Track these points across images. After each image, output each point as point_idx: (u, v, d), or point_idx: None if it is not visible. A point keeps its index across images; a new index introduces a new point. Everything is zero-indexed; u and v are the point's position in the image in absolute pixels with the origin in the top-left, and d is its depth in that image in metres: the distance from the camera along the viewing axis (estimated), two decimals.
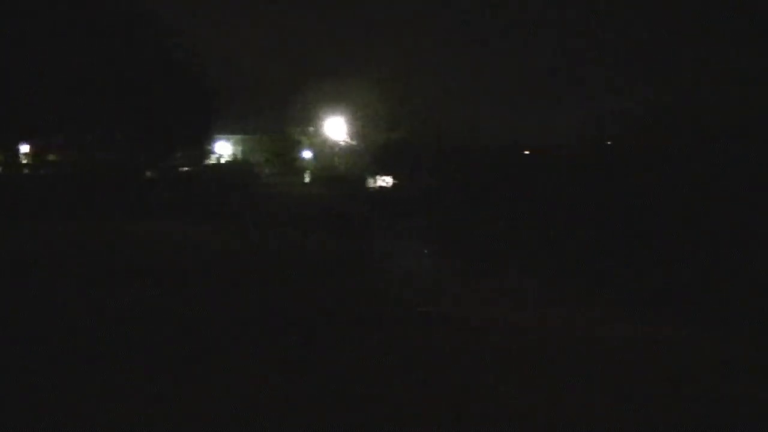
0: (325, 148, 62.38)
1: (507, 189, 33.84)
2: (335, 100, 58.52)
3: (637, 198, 26.58)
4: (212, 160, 59.79)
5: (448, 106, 63.98)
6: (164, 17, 44.03)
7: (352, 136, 60.38)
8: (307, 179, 59.56)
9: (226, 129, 60.20)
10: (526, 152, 43.16)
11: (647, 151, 32.86)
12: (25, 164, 43.57)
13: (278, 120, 59.00)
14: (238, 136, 62.21)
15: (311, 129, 61.29)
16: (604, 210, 26.16)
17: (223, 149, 61.18)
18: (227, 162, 58.88)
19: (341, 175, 57.38)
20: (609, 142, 39.99)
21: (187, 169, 51.77)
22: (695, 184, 25.97)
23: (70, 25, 35.06)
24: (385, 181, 51.86)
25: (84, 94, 35.46)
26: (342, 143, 61.41)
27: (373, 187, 52.44)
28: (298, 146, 61.58)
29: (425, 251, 20.83)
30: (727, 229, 20.90)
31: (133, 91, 36.58)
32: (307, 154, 63.18)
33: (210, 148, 58.84)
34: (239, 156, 61.62)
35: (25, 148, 43.24)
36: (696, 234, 21.06)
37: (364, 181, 53.89)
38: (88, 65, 35.33)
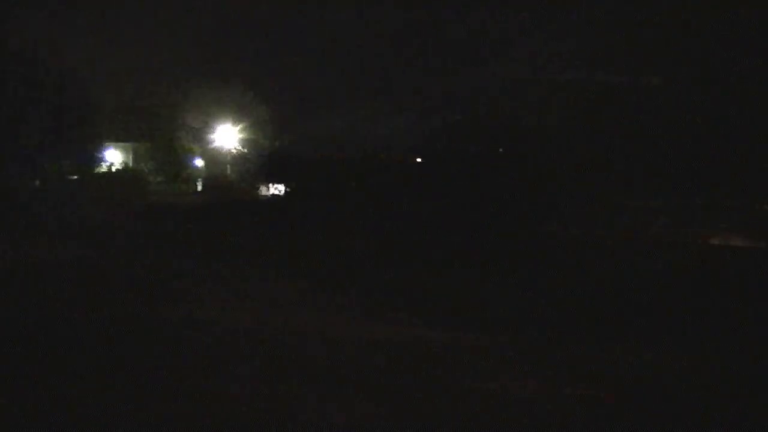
0: (217, 156, 62.71)
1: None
2: (226, 108, 59.14)
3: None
4: (103, 167, 59.34)
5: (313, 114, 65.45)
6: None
7: (243, 143, 61.05)
8: (199, 188, 59.62)
9: (117, 136, 60.13)
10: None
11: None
12: None
13: (170, 127, 59.16)
14: (129, 144, 62.05)
15: (202, 136, 61.53)
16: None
17: (114, 157, 60.92)
18: (117, 170, 58.45)
19: (233, 183, 57.96)
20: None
21: (75, 177, 51.74)
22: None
23: None
24: (278, 189, 52.67)
25: None
26: (234, 151, 61.89)
27: (265, 195, 53.33)
28: (188, 154, 61.80)
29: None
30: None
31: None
32: (199, 162, 63.36)
33: (99, 155, 58.58)
34: (130, 164, 61.36)
35: None
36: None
37: (256, 189, 54.63)
38: None
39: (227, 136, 61.78)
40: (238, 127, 60.99)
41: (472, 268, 18.95)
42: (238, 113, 59.57)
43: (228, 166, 62.45)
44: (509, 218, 27.41)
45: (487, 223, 26.68)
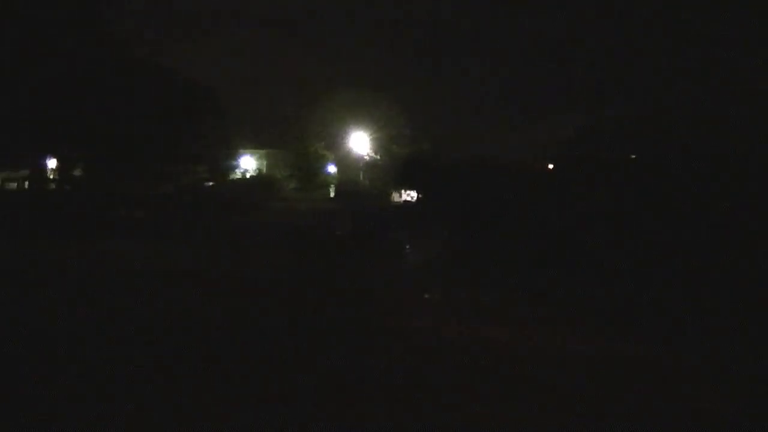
0: (350, 163, 62.58)
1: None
2: (359, 115, 58.87)
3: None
4: (237, 174, 60.34)
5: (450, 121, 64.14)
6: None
7: (375, 150, 60.55)
8: (331, 194, 59.60)
9: (251, 143, 60.82)
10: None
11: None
12: (51, 179, 44.33)
13: (303, 134, 59.36)
14: (263, 151, 62.67)
15: (335, 143, 61.59)
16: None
17: (249, 164, 61.69)
18: (250, 177, 59.32)
19: (365, 189, 57.50)
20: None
21: (211, 183, 52.42)
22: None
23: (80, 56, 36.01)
24: (410, 195, 51.80)
25: (98, 113, 36.25)
26: (366, 157, 61.56)
27: (397, 202, 52.49)
28: (322, 161, 61.82)
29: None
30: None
31: (146, 111, 37.43)
32: (331, 169, 63.36)
33: (234, 162, 59.41)
34: (264, 170, 62.02)
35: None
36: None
37: (388, 195, 53.89)
38: (103, 90, 36.23)
39: (360, 143, 61.45)
40: (371, 134, 60.58)
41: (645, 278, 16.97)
42: (371, 120, 59.15)
43: (360, 172, 62.20)
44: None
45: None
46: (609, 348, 10.30)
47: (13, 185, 46.83)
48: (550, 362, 9.22)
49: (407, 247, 26.12)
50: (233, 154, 58.19)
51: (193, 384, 7.57)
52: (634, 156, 36.55)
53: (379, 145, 60.12)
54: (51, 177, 44.56)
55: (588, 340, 10.83)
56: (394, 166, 54.28)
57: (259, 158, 63.06)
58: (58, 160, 44.08)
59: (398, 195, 53.68)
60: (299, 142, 59.88)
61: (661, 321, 12.55)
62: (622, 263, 19.02)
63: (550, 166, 44.28)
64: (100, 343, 9.42)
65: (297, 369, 8.28)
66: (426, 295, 14.64)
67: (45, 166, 42.94)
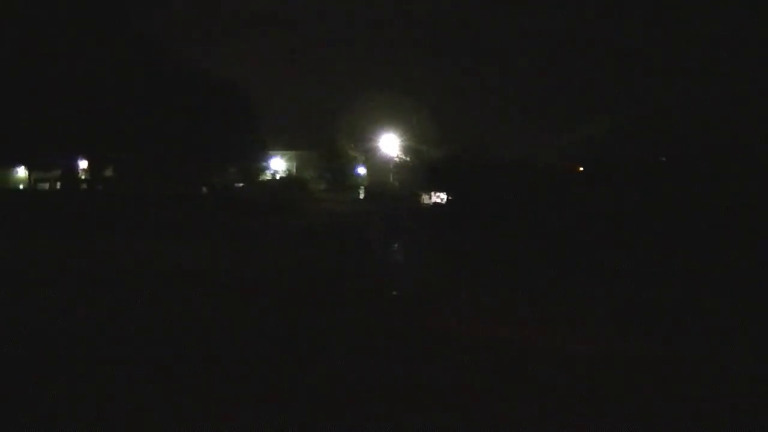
0: (379, 164, 62.46)
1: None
2: (389, 117, 58.79)
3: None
4: (267, 175, 60.53)
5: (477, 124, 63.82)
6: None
7: (405, 152, 60.35)
8: (361, 195, 59.49)
9: (281, 145, 60.91)
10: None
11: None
12: (83, 180, 44.78)
13: (332, 136, 59.46)
14: (293, 152, 62.81)
15: (365, 144, 61.52)
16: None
17: (278, 165, 61.88)
18: (281, 178, 59.49)
19: (394, 191, 57.32)
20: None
21: (241, 184, 52.65)
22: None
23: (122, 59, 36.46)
24: (440, 197, 51.55)
25: (135, 115, 36.56)
26: (396, 159, 61.39)
27: (427, 204, 52.26)
28: (352, 162, 61.77)
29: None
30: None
31: (178, 112, 37.70)
32: (361, 170, 63.28)
33: (264, 164, 59.56)
34: (293, 171, 62.19)
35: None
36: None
37: (418, 197, 53.67)
38: (137, 90, 36.53)
39: (390, 145, 61.31)
40: (401, 136, 60.45)
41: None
42: (401, 122, 59.06)
43: (390, 174, 62.03)
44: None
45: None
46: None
47: (46, 186, 47.36)
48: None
49: (436, 247, 25.92)
50: (264, 156, 58.29)
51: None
52: (663, 158, 36.17)
53: (409, 147, 59.90)
54: (82, 177, 44.98)
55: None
56: (423, 168, 54.02)
57: (290, 160, 63.23)
58: (89, 161, 44.48)
59: (428, 197, 53.44)
60: (329, 144, 59.90)
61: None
62: (662, 263, 18.69)
63: (581, 169, 43.89)
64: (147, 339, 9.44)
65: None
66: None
67: (76, 166, 43.32)
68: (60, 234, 24.42)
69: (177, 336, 9.79)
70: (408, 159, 59.92)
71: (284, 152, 62.43)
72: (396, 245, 26.98)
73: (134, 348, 8.91)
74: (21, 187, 47.57)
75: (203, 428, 6.27)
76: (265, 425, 6.33)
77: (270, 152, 60.13)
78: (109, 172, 45.51)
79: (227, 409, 6.66)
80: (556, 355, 9.52)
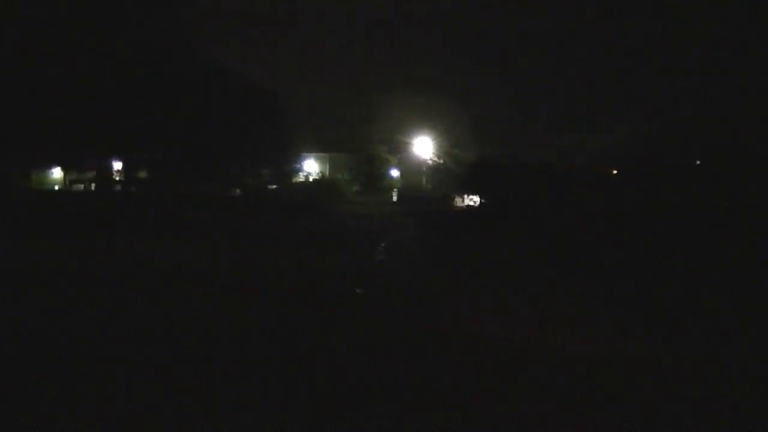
0: (413, 166, 62.36)
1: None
2: (423, 119, 58.61)
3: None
4: (301, 177, 60.59)
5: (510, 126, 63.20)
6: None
7: (439, 154, 60.10)
8: (394, 198, 59.40)
9: (315, 147, 60.91)
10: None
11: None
12: (117, 181, 45.19)
13: (367, 137, 59.32)
14: (326, 154, 62.80)
15: (399, 147, 61.42)
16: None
17: (312, 167, 61.91)
18: (314, 180, 59.60)
19: (428, 193, 57.19)
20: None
21: (274, 186, 52.79)
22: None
23: (154, 61, 36.75)
24: (473, 200, 51.28)
25: (168, 117, 36.83)
26: (429, 161, 61.20)
27: (460, 206, 52.03)
28: (385, 164, 61.62)
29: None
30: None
31: (211, 114, 37.90)
32: (394, 173, 63.09)
33: (297, 165, 59.62)
34: (326, 174, 62.20)
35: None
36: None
37: (451, 199, 53.48)
38: (171, 92, 36.78)
39: (424, 147, 61.16)
40: (435, 138, 60.22)
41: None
42: (435, 124, 58.83)
43: (423, 176, 61.83)
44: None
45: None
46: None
47: (80, 186, 47.81)
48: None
49: (472, 249, 25.70)
50: (297, 157, 58.35)
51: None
52: (699, 162, 35.50)
53: (443, 149, 59.65)
54: (116, 178, 45.35)
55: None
56: (457, 171, 53.82)
57: (322, 161, 63.27)
58: (123, 162, 44.84)
59: (461, 199, 53.22)
60: (363, 146, 59.80)
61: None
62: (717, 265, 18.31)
63: (614, 171, 43.33)
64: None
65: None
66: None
67: (111, 167, 43.65)
68: (90, 234, 24.59)
69: (215, 337, 9.71)
70: (441, 161, 59.70)
71: (318, 154, 62.49)
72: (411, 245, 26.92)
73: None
74: (56, 187, 48.14)
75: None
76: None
77: (303, 154, 60.15)
78: (143, 174, 45.82)
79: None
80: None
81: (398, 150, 62.05)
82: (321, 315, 11.82)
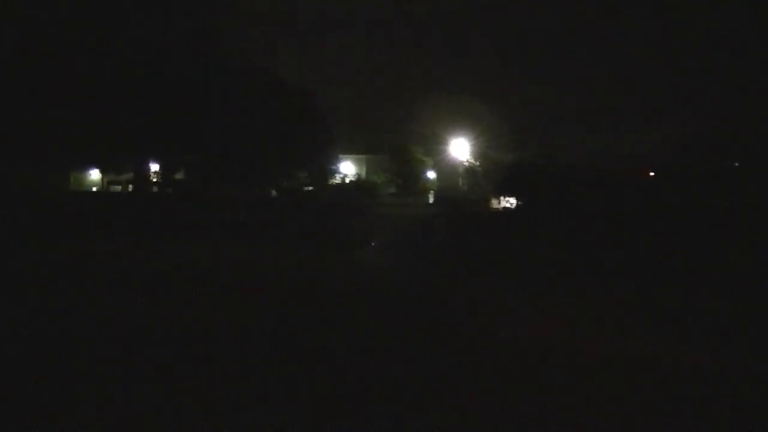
0: (449, 168, 62.23)
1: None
2: (460, 121, 58.51)
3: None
4: (337, 179, 60.81)
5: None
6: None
7: (475, 156, 59.88)
8: (431, 200, 59.30)
9: (352, 148, 61.14)
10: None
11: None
12: (155, 183, 45.63)
13: (403, 139, 59.39)
14: (362, 156, 62.96)
15: (435, 149, 61.35)
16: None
17: (349, 169, 62.10)
18: (350, 182, 59.75)
19: (464, 195, 56.93)
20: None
21: (310, 188, 52.91)
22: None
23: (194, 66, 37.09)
24: (509, 202, 50.94)
25: (206, 119, 37.07)
26: (465, 163, 61.00)
27: (497, 208, 51.68)
28: (421, 166, 61.58)
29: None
30: None
31: (247, 116, 38.10)
32: (430, 174, 63.07)
33: (334, 167, 59.79)
34: (363, 175, 62.32)
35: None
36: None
37: (487, 201, 53.18)
38: (209, 95, 37.04)
39: (460, 149, 60.98)
40: (471, 140, 60.02)
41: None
42: (471, 126, 58.71)
43: (460, 178, 61.66)
44: None
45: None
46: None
47: (118, 188, 48.40)
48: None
49: (509, 254, 25.46)
50: (334, 159, 58.55)
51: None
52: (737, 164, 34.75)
53: (479, 151, 59.44)
54: (154, 180, 45.78)
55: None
56: (494, 173, 53.54)
57: (359, 163, 63.44)
58: (160, 164, 45.25)
59: (497, 201, 52.89)
60: (400, 148, 59.82)
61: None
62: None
63: (651, 174, 42.68)
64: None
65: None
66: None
67: (148, 169, 44.08)
68: (128, 234, 24.97)
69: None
70: (478, 163, 59.46)
71: (354, 156, 62.69)
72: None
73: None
74: (94, 189, 48.84)
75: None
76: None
77: (340, 156, 60.36)
78: (180, 175, 46.19)
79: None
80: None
81: (435, 152, 62.00)
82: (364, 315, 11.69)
